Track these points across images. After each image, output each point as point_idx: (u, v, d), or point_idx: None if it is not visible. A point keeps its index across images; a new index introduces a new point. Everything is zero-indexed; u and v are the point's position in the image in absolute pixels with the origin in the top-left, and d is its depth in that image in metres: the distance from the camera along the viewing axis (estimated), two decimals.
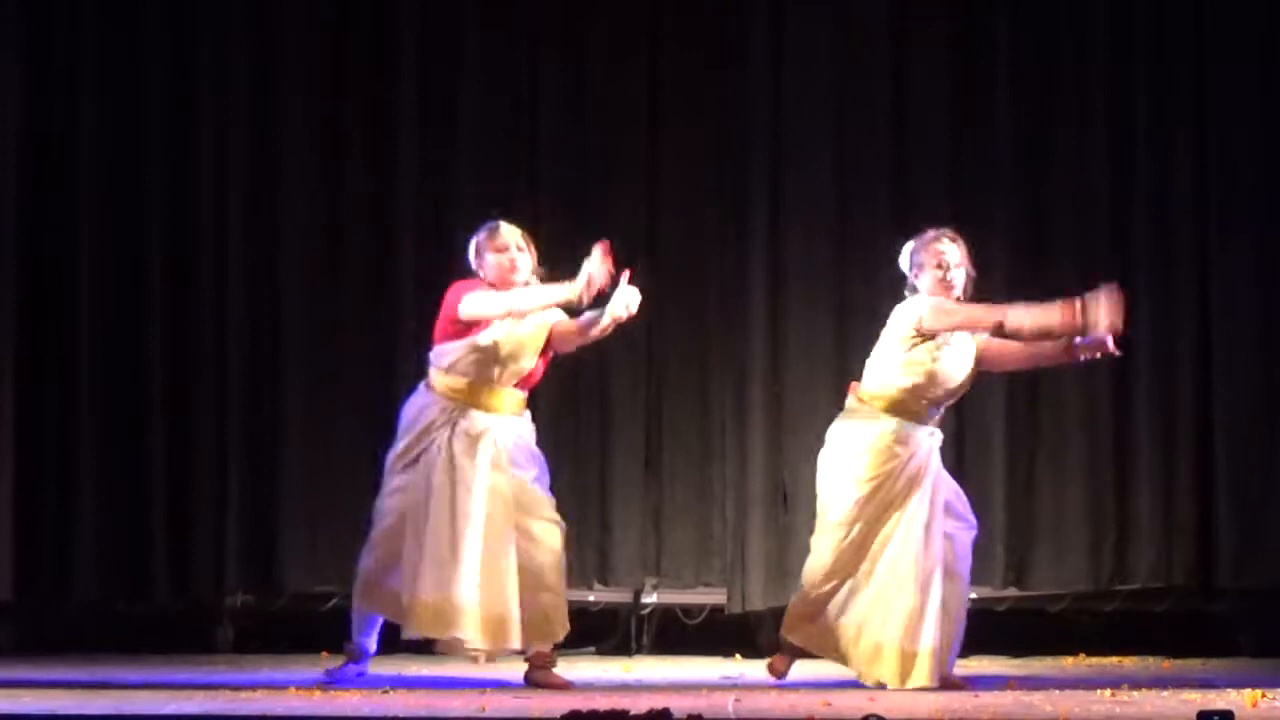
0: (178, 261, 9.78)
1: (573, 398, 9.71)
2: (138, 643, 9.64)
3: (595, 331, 7.88)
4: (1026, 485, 9.60)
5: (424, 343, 8.10)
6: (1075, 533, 9.53)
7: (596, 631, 9.76)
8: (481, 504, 7.73)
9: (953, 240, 7.84)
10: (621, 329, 9.65)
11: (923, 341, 7.72)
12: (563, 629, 7.87)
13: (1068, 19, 9.77)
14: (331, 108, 9.83)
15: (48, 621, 9.83)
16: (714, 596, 9.59)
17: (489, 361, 7.81)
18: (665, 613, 9.72)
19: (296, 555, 9.60)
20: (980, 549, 9.52)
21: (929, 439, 7.80)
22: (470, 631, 7.66)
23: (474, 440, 7.77)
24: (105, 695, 7.43)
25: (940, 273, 7.77)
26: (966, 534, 7.92)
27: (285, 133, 9.82)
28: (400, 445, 7.86)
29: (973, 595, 9.49)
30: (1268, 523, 9.49)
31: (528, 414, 8.03)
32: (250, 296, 9.72)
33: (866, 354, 8.06)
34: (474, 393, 7.82)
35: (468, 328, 7.79)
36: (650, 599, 9.69)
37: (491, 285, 7.87)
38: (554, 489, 9.63)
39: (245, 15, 9.88)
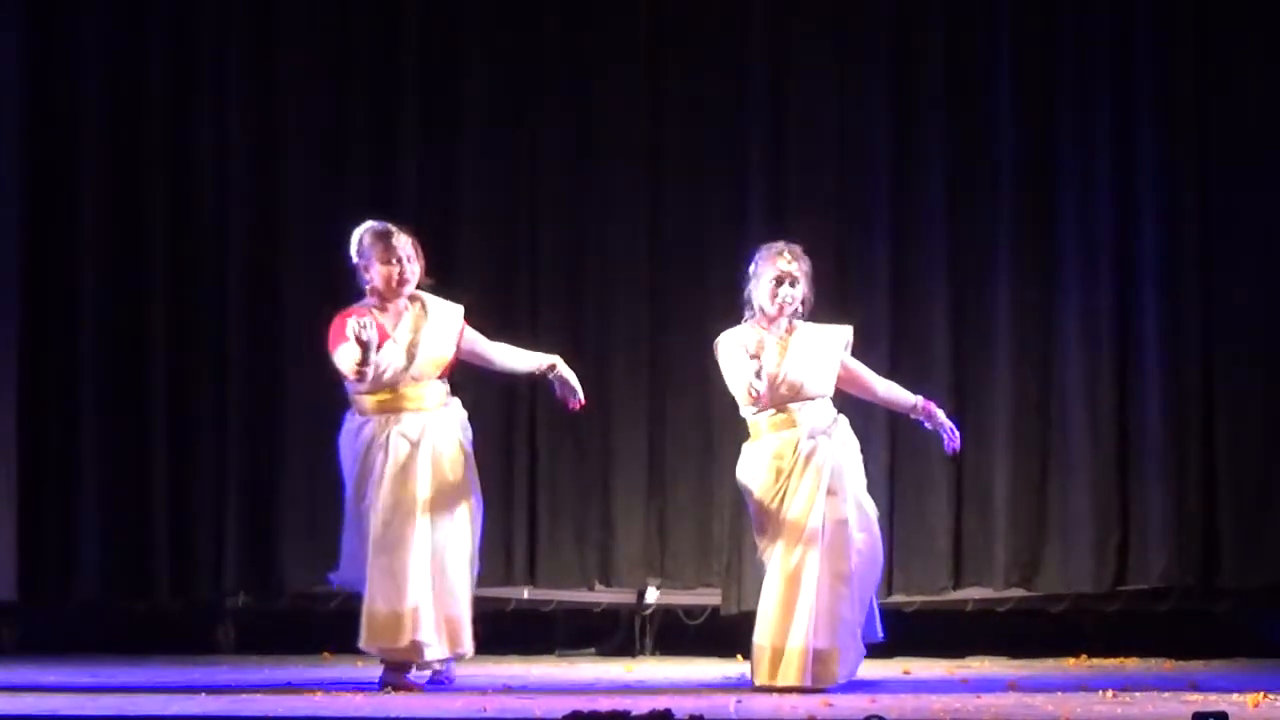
0: (180, 265, 9.78)
1: None
2: (139, 643, 9.65)
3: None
4: (1030, 486, 9.60)
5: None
6: (1077, 534, 9.53)
7: (598, 632, 9.77)
8: (427, 507, 7.74)
9: (795, 257, 7.92)
10: (623, 329, 9.75)
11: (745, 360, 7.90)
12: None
13: (1070, 13, 9.78)
14: (332, 105, 9.83)
15: (50, 622, 9.84)
16: (716, 597, 9.59)
17: (399, 369, 7.81)
18: (667, 613, 9.72)
19: (297, 555, 9.60)
20: (982, 551, 9.58)
21: (808, 443, 7.84)
22: (428, 635, 7.69)
23: (414, 445, 7.77)
24: (108, 695, 7.43)
25: (773, 286, 7.90)
26: (866, 541, 7.89)
27: (286, 132, 9.83)
28: (354, 476, 7.84)
29: (974, 596, 9.60)
30: (1270, 523, 9.49)
31: (455, 401, 7.98)
32: (251, 298, 9.72)
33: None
34: (399, 397, 7.83)
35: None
36: (652, 600, 9.69)
37: (376, 292, 7.88)
38: (555, 489, 9.73)
39: (246, 14, 9.89)
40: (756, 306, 7.95)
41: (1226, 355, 9.60)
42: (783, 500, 7.82)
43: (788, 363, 7.87)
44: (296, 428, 9.62)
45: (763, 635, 7.74)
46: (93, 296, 9.75)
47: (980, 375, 9.63)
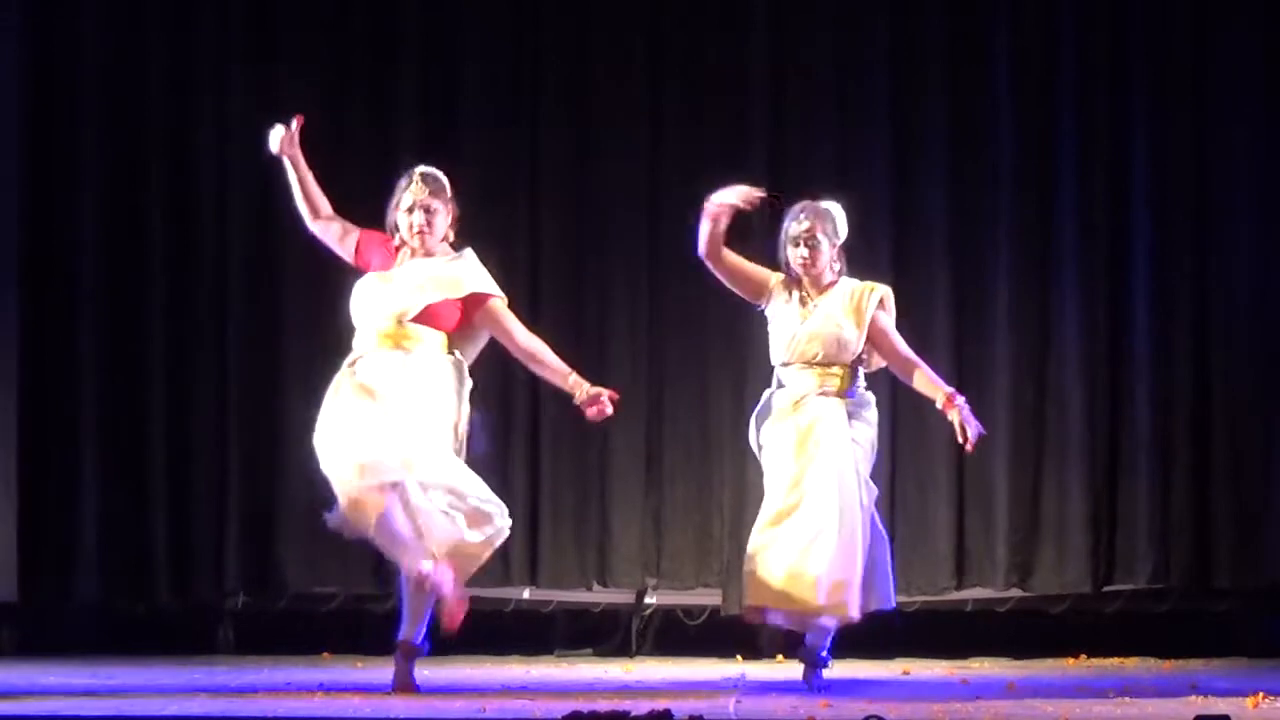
0: (180, 264, 9.79)
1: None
2: (139, 643, 9.66)
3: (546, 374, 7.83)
4: (1026, 486, 9.60)
5: None
6: (1075, 534, 9.54)
7: (597, 632, 9.78)
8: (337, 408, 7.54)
9: (811, 216, 7.87)
10: (624, 325, 9.75)
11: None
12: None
13: (1070, 13, 9.79)
14: (332, 105, 9.83)
15: (50, 622, 9.85)
16: (715, 597, 9.60)
17: (359, 306, 7.69)
18: (666, 614, 9.73)
19: (296, 555, 9.61)
20: (981, 551, 9.58)
21: (814, 401, 7.77)
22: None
23: (355, 372, 7.56)
24: (108, 696, 7.44)
25: (791, 247, 7.88)
26: (864, 496, 7.82)
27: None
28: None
29: (973, 596, 9.61)
30: (1266, 522, 9.50)
31: (434, 355, 7.62)
32: (252, 297, 9.74)
33: None
34: (363, 334, 7.66)
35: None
36: (651, 600, 9.70)
37: (401, 247, 7.74)
38: (556, 489, 9.72)
39: (245, 14, 9.91)
40: (786, 267, 7.95)
41: (1220, 356, 9.60)
42: (776, 455, 7.79)
43: (805, 326, 7.84)
44: (297, 428, 9.61)
45: (758, 562, 7.71)
46: (93, 296, 9.76)
47: (980, 374, 9.64)
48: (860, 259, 9.51)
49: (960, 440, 7.70)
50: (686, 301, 9.65)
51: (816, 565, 7.62)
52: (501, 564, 9.58)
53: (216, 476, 9.72)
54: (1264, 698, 7.08)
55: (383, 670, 8.03)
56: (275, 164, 7.74)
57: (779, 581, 7.68)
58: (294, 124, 7.68)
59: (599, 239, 9.84)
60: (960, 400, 7.73)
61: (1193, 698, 7.33)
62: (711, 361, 9.75)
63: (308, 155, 7.71)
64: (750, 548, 7.81)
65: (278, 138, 7.69)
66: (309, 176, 7.79)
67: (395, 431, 7.45)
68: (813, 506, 7.68)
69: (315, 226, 7.84)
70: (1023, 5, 9.79)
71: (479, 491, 7.53)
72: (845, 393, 7.84)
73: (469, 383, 7.69)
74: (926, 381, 7.85)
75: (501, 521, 7.55)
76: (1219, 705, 6.82)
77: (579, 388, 7.67)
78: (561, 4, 9.90)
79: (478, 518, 7.50)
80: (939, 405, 7.76)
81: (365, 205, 9.58)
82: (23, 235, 9.74)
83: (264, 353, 9.76)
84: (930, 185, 9.73)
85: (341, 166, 9.76)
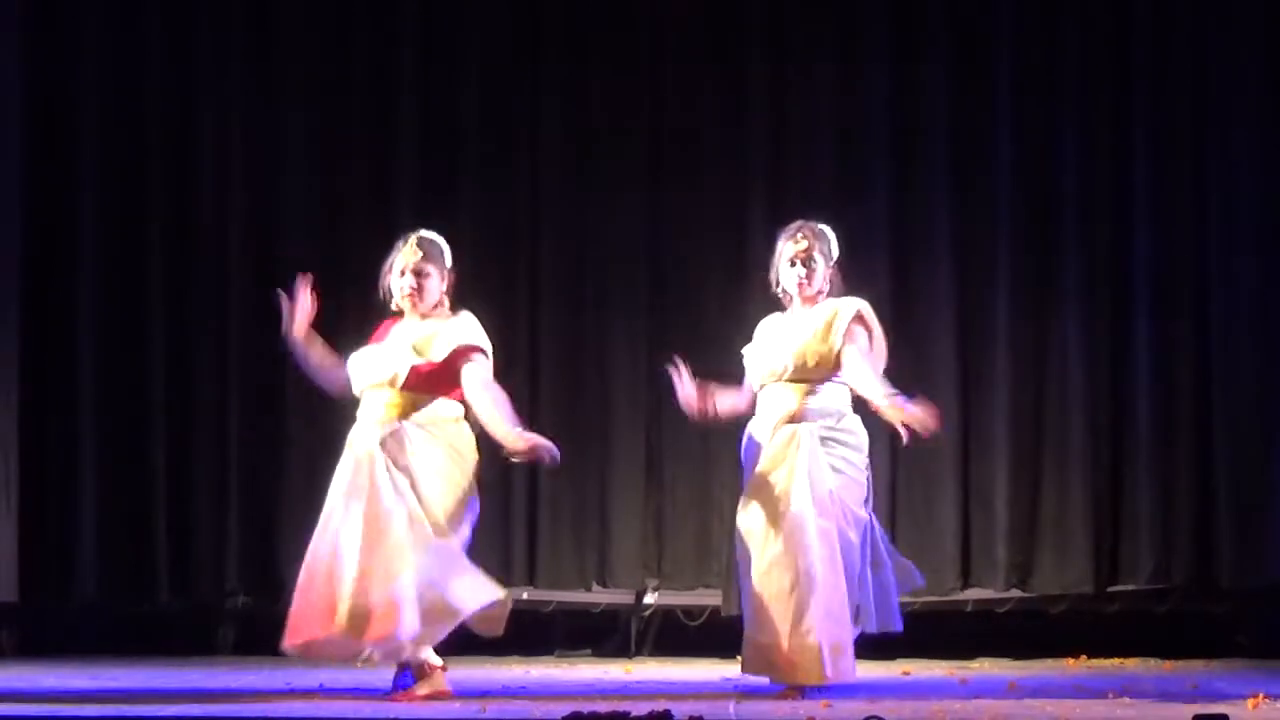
0: (180, 265, 9.80)
1: (573, 399, 9.72)
2: (139, 644, 9.66)
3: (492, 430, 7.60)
4: (1027, 487, 9.60)
5: None
6: (1075, 534, 9.54)
7: (597, 633, 9.79)
8: (339, 505, 7.54)
9: (807, 236, 7.78)
10: (624, 328, 9.75)
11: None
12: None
13: (1071, 18, 9.79)
14: (333, 111, 9.85)
15: (50, 623, 9.86)
16: (715, 598, 9.60)
17: (353, 378, 7.70)
18: (666, 614, 9.73)
19: (297, 557, 9.55)
20: (982, 551, 9.58)
21: (786, 427, 7.67)
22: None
23: (350, 445, 7.59)
24: (107, 697, 7.44)
25: (786, 266, 7.79)
26: (850, 531, 7.69)
27: (285, 135, 9.86)
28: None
29: (973, 597, 9.61)
30: (1267, 523, 9.50)
31: (412, 416, 7.57)
32: (250, 299, 9.73)
33: None
34: (363, 403, 7.67)
35: None
36: (651, 600, 9.70)
37: (398, 313, 7.70)
38: (556, 490, 9.72)
39: (245, 16, 9.92)
40: (779, 287, 7.89)
41: (1221, 356, 9.60)
42: (757, 482, 7.71)
43: (775, 342, 7.76)
44: (296, 428, 9.63)
45: (770, 632, 7.63)
46: (93, 296, 9.77)
47: (980, 374, 9.65)
48: (861, 259, 9.56)
49: (905, 439, 7.50)
50: (686, 306, 9.66)
51: (812, 633, 7.49)
52: (502, 565, 9.59)
53: (217, 476, 9.73)
54: (1264, 698, 7.08)
55: (382, 671, 8.04)
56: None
57: (785, 653, 7.54)
58: (301, 295, 7.61)
59: (600, 241, 9.84)
60: (901, 400, 7.47)
61: (1191, 698, 7.33)
62: (711, 362, 9.72)
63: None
64: (747, 606, 7.71)
65: (291, 321, 7.63)
66: (325, 351, 7.73)
67: (370, 545, 7.45)
68: (793, 559, 7.55)
69: (334, 383, 7.76)
70: (1024, 6, 9.79)
71: (434, 582, 7.40)
72: (809, 411, 7.69)
73: (468, 455, 7.61)
74: (873, 385, 7.59)
75: (464, 608, 7.40)
76: (1219, 705, 6.83)
77: (520, 440, 7.47)
78: (560, 11, 9.90)
79: (432, 615, 7.39)
80: (883, 405, 7.50)
81: (364, 202, 9.65)
82: (24, 236, 9.75)
83: (264, 353, 9.73)
84: (931, 186, 9.74)
85: (342, 164, 9.83)
